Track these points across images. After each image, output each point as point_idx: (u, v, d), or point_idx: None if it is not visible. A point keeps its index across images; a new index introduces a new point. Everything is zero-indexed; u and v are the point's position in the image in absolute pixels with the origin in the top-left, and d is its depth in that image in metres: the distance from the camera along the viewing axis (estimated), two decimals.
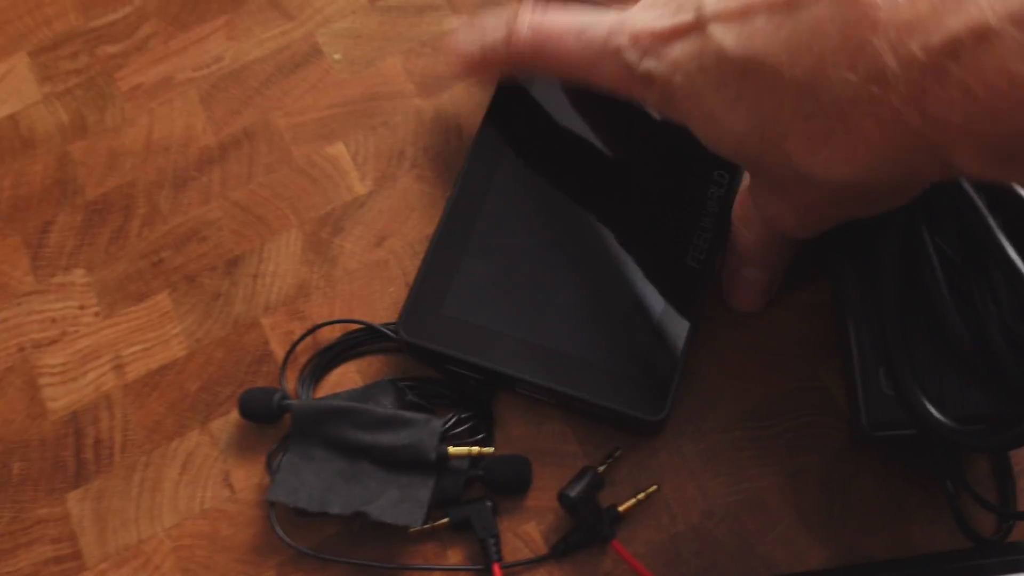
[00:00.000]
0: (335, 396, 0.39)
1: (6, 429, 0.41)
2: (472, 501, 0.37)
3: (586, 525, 0.36)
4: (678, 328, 0.36)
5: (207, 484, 0.39)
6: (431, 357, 0.38)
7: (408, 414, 0.37)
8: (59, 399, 0.41)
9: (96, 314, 0.43)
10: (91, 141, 0.46)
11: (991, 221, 0.33)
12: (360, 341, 0.41)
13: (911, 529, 0.37)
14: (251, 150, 0.46)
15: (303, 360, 0.41)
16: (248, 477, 0.39)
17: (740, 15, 0.28)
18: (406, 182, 0.44)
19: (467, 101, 0.46)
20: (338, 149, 0.45)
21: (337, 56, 0.47)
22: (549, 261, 0.38)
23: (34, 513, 0.39)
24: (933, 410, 0.33)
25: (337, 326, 0.41)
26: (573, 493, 0.36)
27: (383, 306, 0.42)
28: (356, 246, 0.43)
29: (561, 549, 0.36)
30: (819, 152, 0.27)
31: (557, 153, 0.40)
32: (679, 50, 0.30)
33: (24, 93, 0.48)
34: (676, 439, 0.38)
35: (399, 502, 0.35)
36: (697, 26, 0.29)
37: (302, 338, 0.41)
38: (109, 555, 0.39)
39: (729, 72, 0.28)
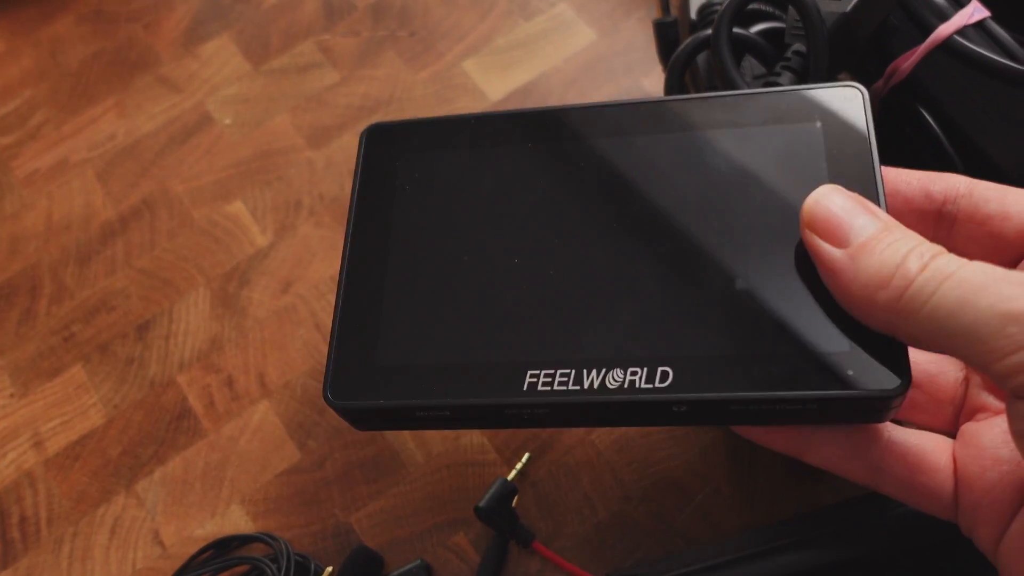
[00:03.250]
0: None
1: None
2: (406, 567, 0.37)
3: (504, 532, 0.37)
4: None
5: (137, 545, 0.40)
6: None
7: None
8: None
9: (11, 395, 0.43)
10: None
11: None
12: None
13: (817, 488, 0.39)
14: (152, 218, 0.47)
15: None
16: (178, 532, 0.40)
17: None
18: (305, 229, 0.46)
19: (355, 146, 0.48)
20: (236, 207, 0.47)
21: (228, 120, 0.49)
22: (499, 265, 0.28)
23: None
24: None
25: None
26: (484, 504, 0.37)
27: (295, 348, 0.43)
28: (263, 295, 0.44)
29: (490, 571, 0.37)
30: None
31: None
32: None
33: None
34: (588, 434, 0.40)
35: None
36: None
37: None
38: None
39: None
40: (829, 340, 0.22)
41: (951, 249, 0.20)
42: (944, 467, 0.22)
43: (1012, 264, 0.22)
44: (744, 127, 0.27)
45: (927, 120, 0.40)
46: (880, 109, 0.43)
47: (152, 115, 0.50)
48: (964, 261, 0.18)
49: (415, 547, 0.38)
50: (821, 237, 0.20)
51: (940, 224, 0.23)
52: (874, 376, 0.21)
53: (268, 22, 0.52)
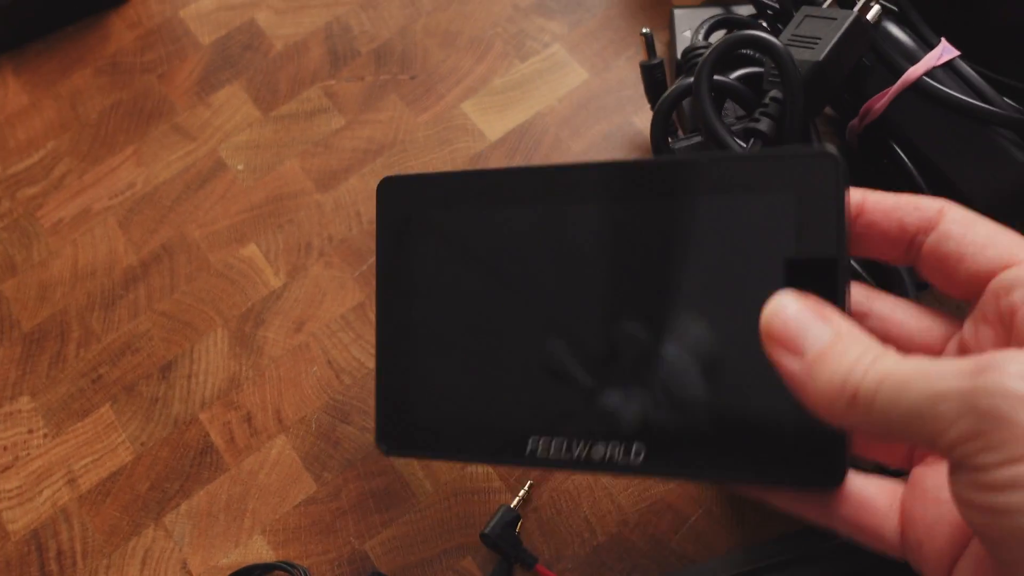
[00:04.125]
0: None
1: None
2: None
3: (509, 557, 0.40)
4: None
5: (167, 575, 0.42)
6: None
7: None
8: (18, 520, 0.44)
9: (45, 436, 0.46)
10: (20, 278, 0.50)
11: None
12: None
13: None
14: (171, 263, 0.50)
15: None
16: (204, 561, 0.42)
17: None
18: (316, 270, 0.48)
19: (362, 188, 0.50)
20: (251, 250, 0.50)
21: (240, 167, 0.52)
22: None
23: None
24: None
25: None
26: (489, 531, 0.40)
27: (309, 385, 0.46)
28: (278, 335, 0.47)
29: None
30: None
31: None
32: None
33: None
34: None
35: None
36: None
37: None
38: None
39: None
40: (778, 432, 0.25)
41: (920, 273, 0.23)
42: (891, 508, 0.24)
43: (964, 297, 0.24)
44: (719, 194, 0.28)
45: (900, 156, 0.43)
46: (857, 144, 0.45)
47: (168, 163, 0.53)
48: (900, 359, 0.20)
49: (425, 572, 0.41)
50: (779, 347, 0.22)
51: (910, 252, 0.25)
52: (813, 470, 0.24)
53: (276, 69, 0.55)
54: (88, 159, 0.53)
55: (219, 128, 0.53)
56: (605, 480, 0.42)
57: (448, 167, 0.50)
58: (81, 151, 0.54)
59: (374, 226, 0.49)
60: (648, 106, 0.51)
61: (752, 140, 0.41)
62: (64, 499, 0.44)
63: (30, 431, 0.46)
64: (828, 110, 0.47)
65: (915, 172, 0.42)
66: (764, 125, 0.41)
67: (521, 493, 0.41)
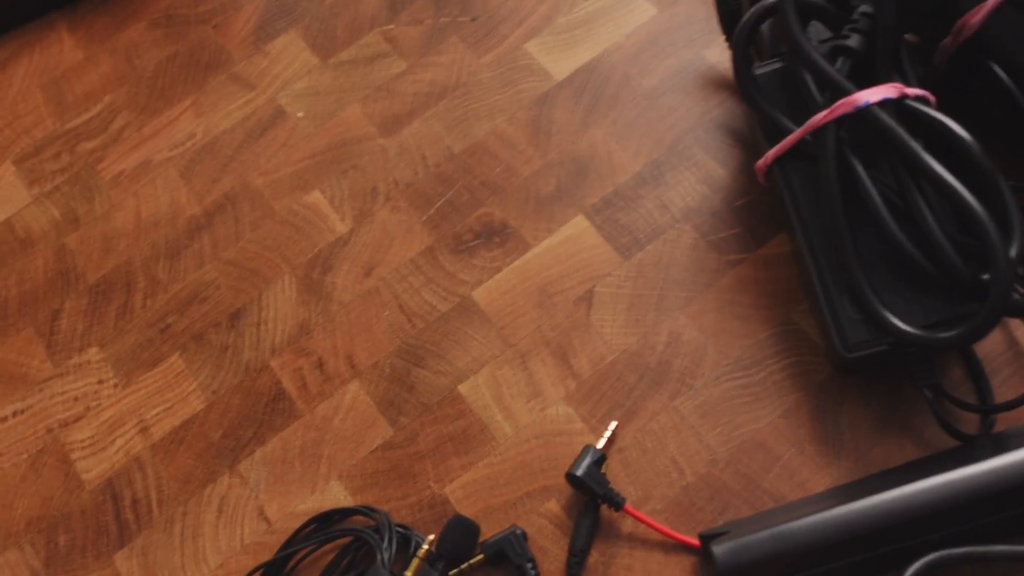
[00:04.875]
0: None
1: (47, 507, 0.43)
2: (502, 533, 0.39)
3: (596, 497, 0.38)
4: None
5: (244, 522, 0.42)
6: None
7: None
8: (92, 470, 0.44)
9: (115, 386, 0.45)
10: (84, 231, 0.49)
11: (915, 144, 0.36)
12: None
13: (902, 442, 0.39)
14: (235, 212, 0.49)
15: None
16: (281, 508, 0.41)
17: None
18: (383, 215, 0.47)
19: (426, 132, 0.49)
20: (315, 197, 0.48)
21: (300, 114, 0.51)
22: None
23: None
24: (897, 321, 0.36)
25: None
26: (578, 472, 0.38)
27: (380, 330, 0.45)
28: (347, 280, 0.46)
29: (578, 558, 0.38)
30: None
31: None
32: None
33: (15, 198, 0.51)
34: (671, 400, 0.41)
35: None
36: None
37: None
38: None
39: None
40: None
41: None
42: None
43: None
44: None
45: (998, 74, 0.40)
46: (947, 67, 0.43)
47: (228, 112, 0.52)
48: None
49: (509, 514, 0.40)
50: None
51: None
52: None
53: (333, 16, 0.54)
54: (146, 111, 0.52)
55: (277, 76, 0.52)
56: (692, 420, 0.40)
57: (514, 108, 0.49)
58: (139, 104, 0.53)
59: (440, 169, 0.48)
60: (721, 38, 0.49)
61: (841, 59, 0.39)
62: (137, 448, 0.44)
63: (100, 381, 0.46)
64: (912, 37, 0.45)
65: (1017, 92, 0.40)
66: (854, 41, 0.39)
67: (607, 433, 0.40)
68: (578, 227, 0.45)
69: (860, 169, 0.37)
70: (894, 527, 0.33)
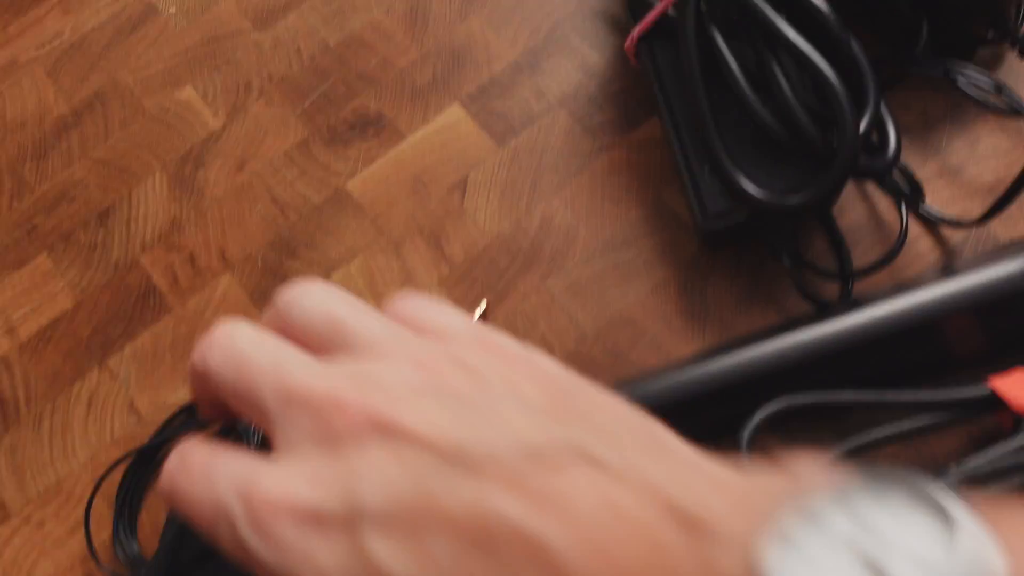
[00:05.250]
0: None
1: None
2: None
3: None
4: None
5: (114, 415, 0.41)
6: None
7: None
8: None
9: None
10: None
11: (772, 12, 0.36)
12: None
13: (766, 312, 0.40)
14: (104, 110, 0.47)
15: None
16: (152, 401, 0.41)
17: (410, 530, 0.18)
18: (256, 109, 0.46)
19: (301, 25, 0.48)
20: (187, 93, 0.47)
21: (172, 9, 0.49)
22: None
23: None
24: (752, 188, 0.36)
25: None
26: None
27: (253, 223, 0.44)
28: (219, 175, 0.45)
29: None
30: None
31: None
32: (316, 547, 0.19)
33: None
34: (543, 281, 0.41)
35: None
36: (347, 523, 0.19)
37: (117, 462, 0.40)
38: (31, 499, 0.40)
39: None
40: None
41: None
42: None
43: None
44: None
45: None
46: None
47: (96, 10, 0.50)
48: None
49: None
50: None
51: None
52: None
53: None
54: (11, 11, 0.50)
55: None
56: (563, 299, 0.41)
57: None
58: (3, 3, 0.51)
59: (315, 62, 0.47)
60: None
61: None
62: (3, 348, 0.43)
63: None
64: None
65: None
66: None
67: (477, 312, 0.40)
68: (453, 116, 0.45)
69: (720, 39, 0.37)
70: (744, 383, 0.34)
